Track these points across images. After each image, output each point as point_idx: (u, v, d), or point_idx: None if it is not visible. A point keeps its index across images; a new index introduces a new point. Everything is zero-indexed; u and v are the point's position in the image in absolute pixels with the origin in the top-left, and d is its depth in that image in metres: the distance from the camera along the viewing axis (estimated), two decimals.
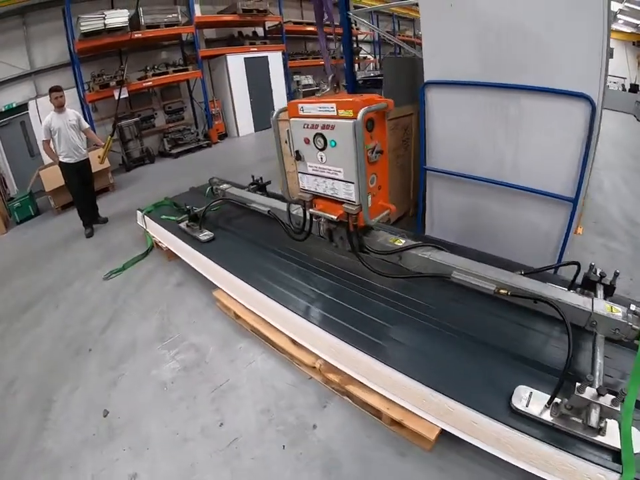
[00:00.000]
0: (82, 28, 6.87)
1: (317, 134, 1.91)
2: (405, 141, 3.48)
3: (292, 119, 2.04)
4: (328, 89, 1.96)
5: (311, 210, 2.17)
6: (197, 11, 9.12)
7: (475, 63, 2.50)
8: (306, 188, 2.17)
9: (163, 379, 2.34)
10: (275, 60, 10.86)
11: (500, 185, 2.68)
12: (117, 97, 7.75)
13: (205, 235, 3.31)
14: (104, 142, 5.46)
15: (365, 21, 4.53)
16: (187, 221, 3.52)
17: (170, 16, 8.03)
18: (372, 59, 15.66)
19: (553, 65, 2.32)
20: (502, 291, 1.84)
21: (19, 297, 3.63)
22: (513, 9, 2.32)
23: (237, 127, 10.49)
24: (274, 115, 2.12)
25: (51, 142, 4.66)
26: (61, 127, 4.59)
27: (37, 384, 2.48)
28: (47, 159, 5.73)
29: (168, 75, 8.73)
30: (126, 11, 7.36)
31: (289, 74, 11.56)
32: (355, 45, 14.64)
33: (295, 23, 11.49)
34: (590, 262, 1.93)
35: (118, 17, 7.22)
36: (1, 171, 7.37)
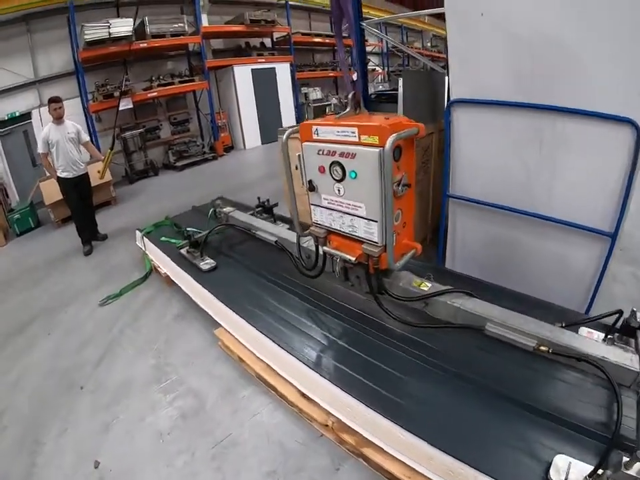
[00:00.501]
0: (86, 36, 6.74)
1: (333, 162, 1.66)
2: (425, 163, 3.22)
3: (304, 144, 1.80)
4: (348, 109, 1.72)
5: (324, 248, 1.92)
6: (204, 20, 9.00)
7: (508, 81, 2.25)
8: (319, 222, 1.92)
9: (159, 428, 2.11)
10: (283, 71, 10.71)
11: (531, 215, 2.43)
12: (119, 108, 7.66)
13: (206, 263, 3.07)
14: (104, 156, 5.30)
15: (378, 32, 4.32)
16: (187, 247, 3.29)
17: (176, 25, 7.90)
18: (380, 70, 15.54)
19: (594, 85, 2.07)
20: (542, 348, 1.61)
21: (12, 317, 3.46)
22: (551, 21, 2.08)
23: (244, 140, 10.31)
24: (284, 137, 1.87)
25: (49, 155, 4.50)
26: (59, 140, 4.44)
27: (27, 420, 2.30)
28: None
29: (174, 86, 8.59)
30: (131, 20, 7.21)
31: (297, 86, 11.42)
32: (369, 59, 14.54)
33: (303, 34, 11.38)
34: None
35: (123, 26, 7.08)
36: (2, 180, 7.25)
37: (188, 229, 3.70)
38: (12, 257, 5.20)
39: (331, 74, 12.88)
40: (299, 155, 1.83)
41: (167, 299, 3.35)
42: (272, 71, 10.45)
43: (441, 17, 2.44)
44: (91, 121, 7.74)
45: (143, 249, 3.96)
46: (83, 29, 6.76)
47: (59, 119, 4.45)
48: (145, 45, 7.59)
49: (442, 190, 2.81)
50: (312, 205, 1.89)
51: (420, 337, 1.95)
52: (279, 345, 2.09)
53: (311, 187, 1.80)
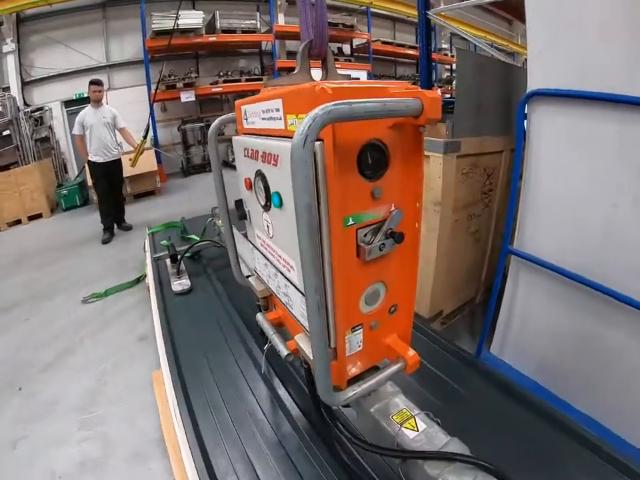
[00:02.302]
0: (154, 26, 6.67)
1: (257, 172, 0.85)
2: (487, 194, 2.22)
3: (233, 138, 1.02)
4: (297, 70, 0.87)
5: (258, 316, 1.12)
6: (281, 20, 8.66)
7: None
8: (258, 272, 1.13)
9: (55, 467, 1.84)
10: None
11: None
12: (183, 99, 7.56)
13: (180, 283, 2.52)
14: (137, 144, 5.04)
15: (449, 25, 3.44)
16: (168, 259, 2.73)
17: (248, 22, 7.60)
18: None
19: None
20: None
21: (7, 294, 3.59)
22: None
23: None
24: (213, 125, 1.13)
25: (84, 138, 4.51)
26: (93, 124, 4.45)
27: None
28: None
29: (239, 83, 8.31)
30: (201, 12, 7.08)
31: None
32: (449, 74, 13.41)
33: (384, 43, 10.61)
34: None
35: (192, 18, 6.94)
36: (64, 156, 7.51)
37: (190, 235, 3.23)
38: (47, 232, 5.50)
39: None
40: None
41: (142, 312, 3.02)
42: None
43: None
44: (152, 110, 7.68)
45: (145, 249, 3.56)
46: (151, 18, 6.69)
47: (97, 102, 4.47)
48: (214, 38, 7.36)
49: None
50: (250, 241, 1.11)
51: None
52: (187, 438, 1.34)
53: (241, 214, 1.02)
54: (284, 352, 0.93)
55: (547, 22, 1.42)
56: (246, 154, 0.91)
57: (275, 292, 1.01)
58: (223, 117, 1.13)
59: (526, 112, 1.55)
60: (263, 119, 0.81)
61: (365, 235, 0.73)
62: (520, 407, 1.44)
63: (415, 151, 0.70)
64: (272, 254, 0.92)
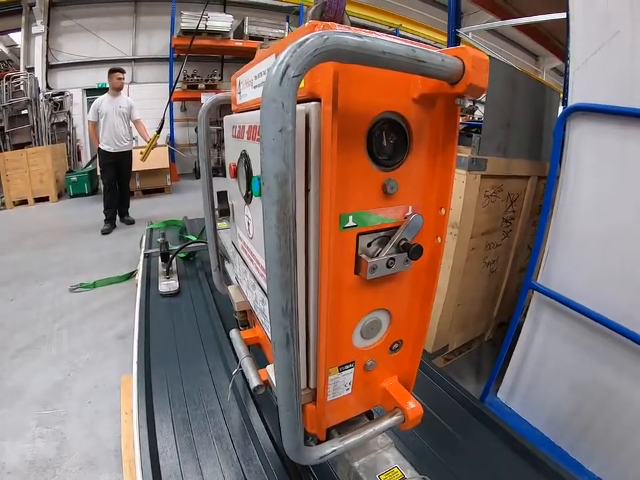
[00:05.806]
0: (182, 24, 6.68)
1: (242, 154, 0.68)
2: (508, 223, 2.02)
3: (225, 117, 0.85)
4: (308, 20, 0.68)
5: (233, 333, 0.93)
6: None
7: None
8: (238, 280, 0.95)
9: (5, 462, 1.70)
10: None
11: None
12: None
13: (168, 284, 2.30)
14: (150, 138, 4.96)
15: (479, 44, 3.31)
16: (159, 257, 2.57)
17: (276, 31, 7.58)
18: None
19: None
20: None
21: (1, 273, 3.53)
22: None
23: None
24: (205, 103, 0.97)
25: (97, 125, 4.48)
26: (108, 112, 4.41)
27: None
28: None
29: None
30: (231, 17, 7.09)
31: None
32: (472, 104, 13.31)
33: None
34: None
35: (221, 21, 6.95)
36: (79, 143, 7.51)
37: (189, 235, 3.09)
38: (50, 215, 5.48)
39: None
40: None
41: (127, 309, 2.85)
42: None
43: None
44: (171, 108, 7.66)
45: (141, 245, 3.46)
46: (181, 16, 6.70)
47: (117, 90, 4.46)
48: (241, 44, 7.35)
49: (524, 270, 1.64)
50: (232, 242, 0.94)
51: None
52: (141, 460, 1.14)
53: (223, 208, 0.85)
54: (253, 382, 0.75)
55: (595, 26, 1.21)
56: (233, 133, 0.75)
57: (253, 306, 0.83)
58: (218, 94, 0.97)
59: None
60: (255, 87, 0.65)
61: (369, 245, 0.55)
62: (526, 465, 1.23)
63: (447, 136, 0.53)
64: (251, 259, 0.74)
